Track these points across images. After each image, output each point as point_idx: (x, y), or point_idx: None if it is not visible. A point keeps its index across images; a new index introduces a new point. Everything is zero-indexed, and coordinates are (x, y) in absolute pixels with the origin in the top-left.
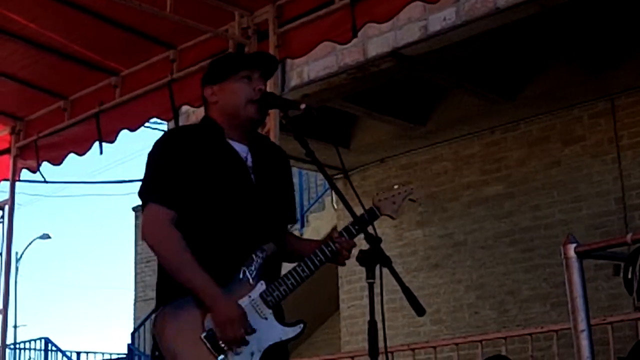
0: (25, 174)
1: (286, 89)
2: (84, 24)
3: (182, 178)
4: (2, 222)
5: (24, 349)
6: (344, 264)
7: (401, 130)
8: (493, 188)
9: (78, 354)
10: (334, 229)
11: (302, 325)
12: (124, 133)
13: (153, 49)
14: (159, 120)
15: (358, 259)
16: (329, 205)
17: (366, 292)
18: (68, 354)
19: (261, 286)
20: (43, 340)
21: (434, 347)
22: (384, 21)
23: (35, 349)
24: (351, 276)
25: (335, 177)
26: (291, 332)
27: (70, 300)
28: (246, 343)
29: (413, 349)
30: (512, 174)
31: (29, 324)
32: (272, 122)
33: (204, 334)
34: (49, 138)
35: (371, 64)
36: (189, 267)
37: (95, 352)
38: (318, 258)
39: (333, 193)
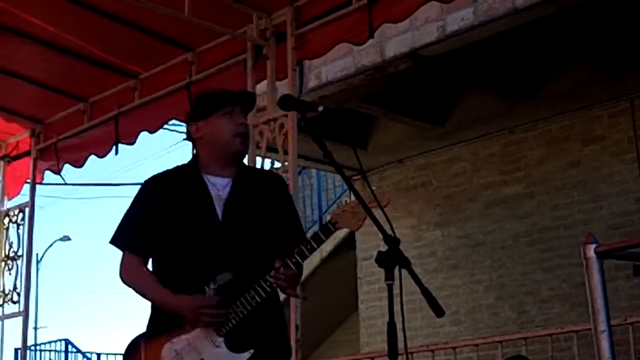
0: (45, 176)
1: (304, 90)
2: (103, 27)
3: (149, 224)
4: (23, 224)
5: (45, 350)
6: (290, 293)
7: (419, 130)
8: (512, 188)
9: (98, 355)
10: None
11: (251, 351)
12: (144, 134)
13: (172, 52)
14: (177, 122)
15: (377, 260)
16: None
17: (385, 293)
18: (88, 355)
19: None
20: (63, 342)
21: (454, 348)
22: (400, 21)
23: (55, 350)
24: (370, 277)
25: (353, 178)
26: (239, 358)
27: (91, 301)
28: (220, 318)
29: (432, 350)
30: (531, 174)
31: (49, 325)
32: (290, 124)
33: None
34: (69, 140)
35: (389, 65)
36: (156, 290)
37: (115, 354)
38: (266, 284)
39: (351, 194)
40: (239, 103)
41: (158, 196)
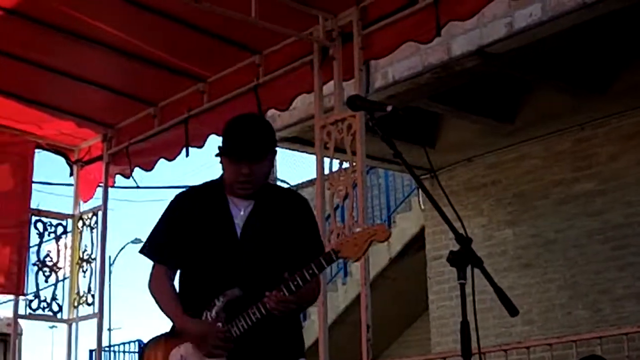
0: (117, 179)
1: (371, 90)
2: (171, 32)
3: (175, 238)
4: (96, 227)
5: (119, 351)
6: (282, 315)
7: (488, 128)
8: (584, 185)
9: None
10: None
11: None
12: (213, 137)
13: (239, 55)
14: None
15: (449, 259)
16: (415, 205)
17: (455, 293)
18: None
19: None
20: (137, 343)
21: (527, 348)
22: (467, 18)
23: (129, 352)
24: (440, 277)
25: (422, 177)
26: None
27: None
28: (228, 347)
29: (505, 350)
30: (603, 171)
31: (123, 326)
32: (358, 124)
33: None
34: (139, 144)
35: (456, 63)
36: (171, 307)
37: None
38: (263, 305)
39: (420, 193)
40: (244, 159)
41: (184, 211)
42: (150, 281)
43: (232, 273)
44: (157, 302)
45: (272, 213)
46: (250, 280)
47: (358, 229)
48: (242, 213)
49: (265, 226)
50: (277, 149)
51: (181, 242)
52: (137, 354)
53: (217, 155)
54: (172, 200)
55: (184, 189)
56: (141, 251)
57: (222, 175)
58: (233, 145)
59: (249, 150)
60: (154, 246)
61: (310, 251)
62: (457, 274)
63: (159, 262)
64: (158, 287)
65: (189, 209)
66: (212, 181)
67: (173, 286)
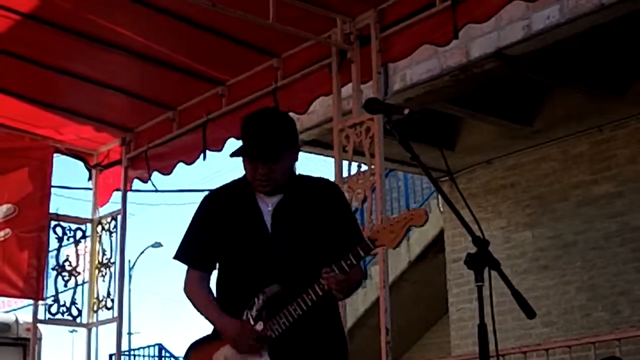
0: (135, 183)
1: (389, 93)
2: (189, 36)
3: (208, 240)
4: (115, 232)
5: (139, 355)
6: (340, 298)
7: (507, 130)
8: (603, 187)
9: None
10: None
11: None
12: (231, 141)
13: (257, 58)
14: None
15: (466, 262)
16: (435, 208)
17: (474, 295)
18: None
19: (259, 327)
20: (157, 347)
21: (547, 350)
22: (485, 21)
23: (149, 356)
24: (459, 279)
25: (441, 179)
26: None
27: (183, 306)
28: (261, 347)
29: (525, 352)
30: (622, 173)
31: (142, 331)
32: (376, 127)
33: None
34: (158, 148)
35: (474, 65)
36: (209, 310)
37: None
38: (310, 296)
39: (439, 196)
40: (257, 160)
41: (213, 212)
42: (185, 286)
43: (267, 269)
44: (194, 306)
45: (301, 204)
46: (286, 274)
47: (394, 216)
48: (269, 208)
49: (295, 218)
50: (297, 144)
51: (214, 244)
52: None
53: (232, 155)
54: (200, 203)
55: (211, 190)
56: (175, 257)
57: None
58: (247, 145)
59: (262, 152)
60: (187, 251)
61: (348, 237)
62: (475, 277)
63: (194, 267)
64: (194, 292)
65: (218, 209)
66: (238, 179)
67: (209, 289)
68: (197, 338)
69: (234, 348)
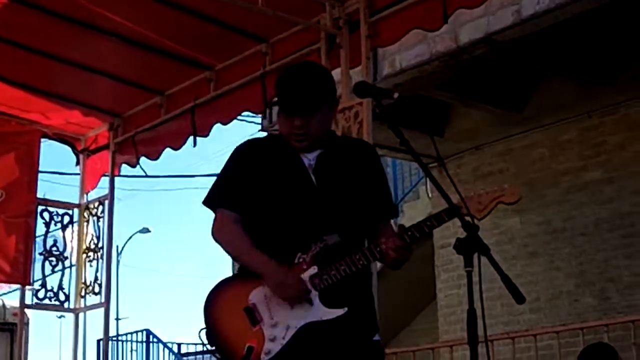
0: (122, 169)
1: (379, 78)
2: (178, 21)
3: (244, 184)
4: (103, 217)
5: (126, 341)
6: (395, 267)
7: (497, 117)
8: (592, 174)
9: (179, 345)
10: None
11: (346, 309)
12: (217, 127)
13: (246, 43)
14: (252, 114)
15: (455, 247)
16: (423, 194)
17: (463, 281)
18: (169, 345)
19: (313, 270)
20: (144, 332)
21: (534, 336)
22: (475, 6)
23: (136, 341)
24: (447, 265)
25: (430, 165)
26: (332, 313)
27: (171, 292)
28: (302, 304)
29: (513, 338)
30: (611, 159)
31: (130, 316)
32: (365, 112)
33: (245, 307)
34: (145, 133)
35: (464, 51)
36: (246, 251)
37: (196, 344)
38: (365, 257)
39: (428, 182)
40: (293, 113)
41: (251, 159)
42: (217, 229)
43: (316, 220)
44: (229, 248)
45: (342, 160)
46: (339, 226)
47: (483, 190)
48: (311, 163)
49: (338, 173)
50: (335, 99)
51: (251, 189)
52: (204, 304)
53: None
54: (234, 152)
55: (244, 142)
56: (206, 202)
57: None
58: (283, 98)
59: (298, 104)
60: (221, 194)
61: (383, 199)
62: (464, 262)
63: (229, 208)
64: (231, 232)
65: (255, 158)
66: (276, 134)
67: (245, 233)
68: (220, 280)
69: (277, 294)
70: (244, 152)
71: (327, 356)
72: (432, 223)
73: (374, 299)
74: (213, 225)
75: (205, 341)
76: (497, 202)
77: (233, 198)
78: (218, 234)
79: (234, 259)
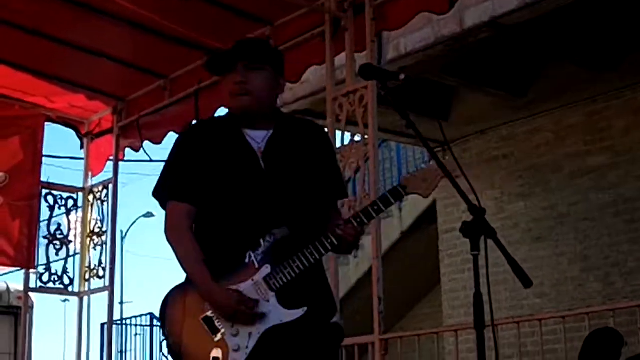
0: (128, 153)
1: (383, 62)
2: (182, 4)
3: (194, 172)
4: (107, 201)
5: (131, 324)
6: (347, 252)
7: (501, 101)
8: (597, 158)
9: None
10: (355, 212)
11: (305, 309)
12: (221, 110)
13: (250, 26)
14: None
15: (462, 230)
16: None
17: (467, 266)
18: None
19: (266, 269)
20: (149, 316)
21: (540, 320)
22: None
23: (141, 325)
24: (452, 250)
25: (435, 150)
26: (292, 315)
27: (175, 276)
28: (254, 320)
29: (518, 322)
30: (616, 144)
31: (134, 300)
32: (370, 96)
33: (202, 317)
34: (149, 117)
35: (469, 35)
36: (188, 259)
37: None
38: (328, 241)
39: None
40: (238, 60)
41: (198, 145)
42: (169, 228)
43: (265, 210)
44: (175, 252)
45: (292, 143)
46: (288, 215)
47: (431, 162)
48: (260, 146)
49: (288, 158)
50: (282, 73)
51: (200, 176)
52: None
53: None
54: (179, 138)
55: (189, 126)
56: (154, 193)
57: (229, 111)
58: (224, 54)
59: (240, 51)
60: (171, 183)
61: (333, 184)
62: (470, 245)
63: (179, 199)
64: (180, 239)
65: (203, 142)
66: (221, 117)
67: (195, 239)
68: (170, 290)
69: (223, 317)
70: (190, 138)
71: (292, 356)
72: (379, 206)
73: (329, 284)
74: (166, 221)
75: (167, 352)
76: (442, 176)
77: (184, 188)
78: (170, 234)
79: (178, 261)
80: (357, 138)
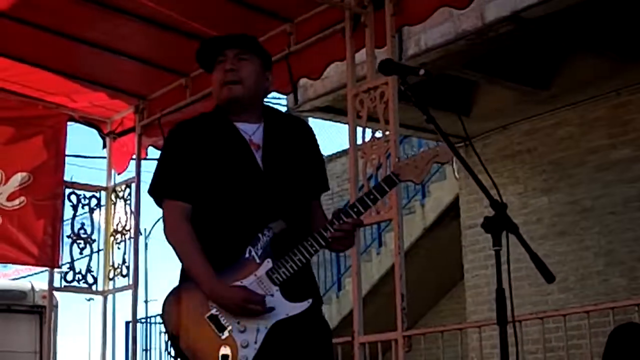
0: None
1: (404, 57)
2: (202, 2)
3: (189, 169)
4: (130, 199)
5: (156, 322)
6: (339, 250)
7: (523, 95)
8: (621, 152)
9: None
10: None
11: (310, 301)
12: None
13: (270, 23)
14: (278, 94)
15: (483, 225)
16: (450, 174)
17: (490, 262)
18: None
19: (267, 264)
20: None
21: (564, 316)
22: None
23: None
24: (474, 245)
25: (456, 145)
26: (298, 307)
27: None
28: (261, 312)
29: (541, 318)
30: None
31: (160, 298)
32: (391, 92)
33: (207, 315)
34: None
35: (490, 29)
36: (191, 258)
37: None
38: (327, 233)
39: (454, 162)
40: (229, 47)
41: (189, 141)
42: (169, 230)
43: (262, 203)
44: (176, 249)
45: (283, 138)
46: (286, 210)
47: (422, 149)
48: (251, 138)
49: (282, 152)
50: (270, 68)
51: (194, 172)
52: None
53: (210, 72)
54: (169, 136)
55: (179, 123)
56: (150, 191)
57: (219, 106)
58: (213, 42)
59: (231, 39)
60: (166, 181)
61: (320, 177)
62: (492, 241)
63: (176, 197)
64: (181, 239)
65: (195, 138)
66: (209, 112)
67: (196, 238)
68: (172, 289)
69: (229, 312)
70: (180, 134)
71: (302, 349)
72: (375, 195)
73: (314, 276)
74: (164, 222)
75: (173, 354)
76: (432, 162)
77: (179, 186)
78: (171, 234)
79: (179, 259)
80: (378, 134)
